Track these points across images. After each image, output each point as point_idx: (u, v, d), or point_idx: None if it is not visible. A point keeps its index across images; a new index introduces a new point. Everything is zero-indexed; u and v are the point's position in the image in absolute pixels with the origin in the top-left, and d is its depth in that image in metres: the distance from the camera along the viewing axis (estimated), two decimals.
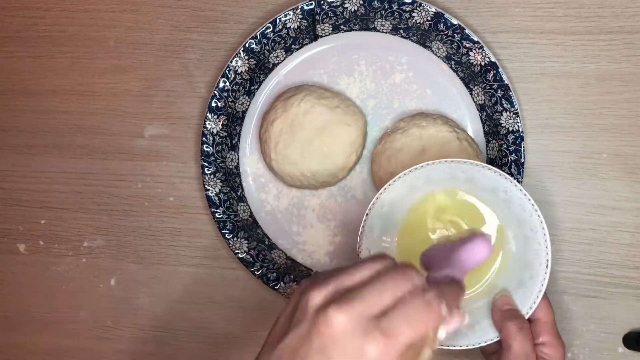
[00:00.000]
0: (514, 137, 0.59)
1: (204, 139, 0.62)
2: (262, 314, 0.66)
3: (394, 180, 0.54)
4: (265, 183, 0.65)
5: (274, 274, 0.62)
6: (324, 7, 0.60)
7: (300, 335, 0.38)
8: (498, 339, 0.53)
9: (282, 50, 0.63)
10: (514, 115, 0.59)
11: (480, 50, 0.59)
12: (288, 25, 0.61)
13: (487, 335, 0.53)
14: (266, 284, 0.62)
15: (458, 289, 0.43)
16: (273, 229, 0.65)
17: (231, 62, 0.61)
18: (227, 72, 0.62)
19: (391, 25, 0.62)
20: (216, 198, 0.62)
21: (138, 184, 0.67)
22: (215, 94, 0.62)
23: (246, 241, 0.63)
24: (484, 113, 0.62)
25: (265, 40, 0.61)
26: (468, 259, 0.48)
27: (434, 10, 0.59)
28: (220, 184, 0.63)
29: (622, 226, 0.61)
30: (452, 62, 0.62)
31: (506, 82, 0.59)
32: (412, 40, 0.62)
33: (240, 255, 0.62)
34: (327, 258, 0.64)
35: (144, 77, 0.67)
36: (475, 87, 0.61)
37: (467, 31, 0.59)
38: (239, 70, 0.62)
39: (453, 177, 0.54)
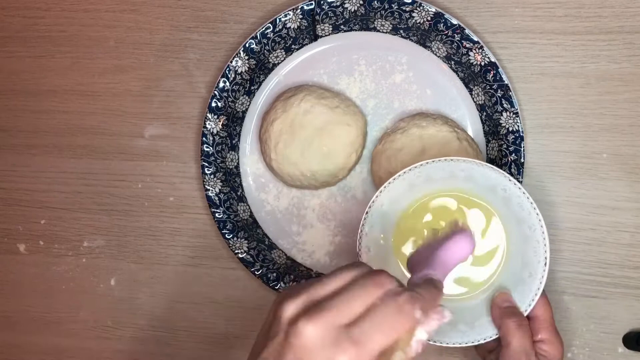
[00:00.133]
0: (514, 137, 0.59)
1: (204, 139, 0.62)
2: (262, 314, 0.65)
3: (394, 179, 0.54)
4: (265, 183, 0.65)
5: (274, 274, 0.62)
6: (324, 7, 0.60)
7: (276, 349, 0.38)
8: (497, 336, 0.53)
9: (282, 50, 0.63)
10: (514, 115, 0.59)
11: (480, 50, 0.59)
12: (288, 25, 0.61)
13: (486, 332, 0.53)
14: (266, 284, 0.62)
15: (434, 289, 0.43)
16: (273, 229, 0.65)
17: (231, 62, 0.61)
18: (227, 72, 0.62)
19: (391, 25, 0.62)
20: (216, 198, 0.62)
21: (138, 184, 0.67)
22: (215, 94, 0.62)
23: (246, 241, 0.63)
24: (484, 113, 0.62)
25: (265, 40, 0.61)
26: (449, 258, 0.48)
27: (434, 10, 0.59)
28: (220, 184, 0.63)
29: (622, 226, 0.61)
30: (452, 62, 0.62)
31: (506, 82, 0.59)
32: (412, 40, 0.62)
33: (240, 255, 0.62)
34: (327, 258, 0.64)
35: (144, 77, 0.67)
36: (475, 87, 0.61)
37: (467, 31, 0.59)
38: (239, 70, 0.62)
39: (452, 175, 0.54)
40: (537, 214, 0.52)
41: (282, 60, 0.64)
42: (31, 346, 0.69)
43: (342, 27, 0.63)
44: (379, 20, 0.62)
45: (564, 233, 0.61)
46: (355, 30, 0.63)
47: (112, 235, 0.68)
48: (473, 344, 0.53)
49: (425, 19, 0.60)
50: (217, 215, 0.62)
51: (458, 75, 0.62)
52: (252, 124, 0.65)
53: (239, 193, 0.64)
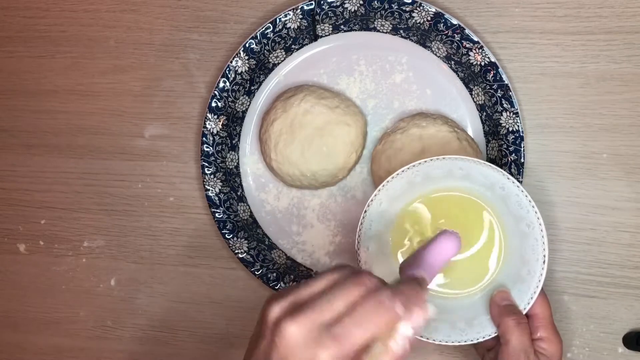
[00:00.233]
0: (514, 137, 0.59)
1: (204, 139, 0.62)
2: None
3: (392, 177, 0.54)
4: (265, 183, 0.65)
5: (274, 274, 0.62)
6: (324, 7, 0.60)
7: (263, 350, 0.39)
8: (496, 334, 0.53)
9: (282, 50, 0.63)
10: (514, 115, 0.59)
11: (480, 50, 0.59)
12: (288, 25, 0.61)
13: (485, 330, 0.53)
14: (266, 284, 0.62)
15: (417, 285, 0.44)
16: (273, 229, 0.65)
17: (231, 62, 0.61)
18: (227, 72, 0.62)
19: (391, 25, 0.62)
20: (216, 198, 0.63)
21: (138, 184, 0.67)
22: (215, 94, 0.62)
23: (246, 241, 0.63)
24: (484, 113, 0.62)
25: (265, 40, 0.61)
26: (434, 259, 0.49)
27: (434, 10, 0.59)
28: (220, 184, 0.63)
29: (621, 226, 0.61)
30: (452, 62, 0.62)
31: (506, 82, 0.59)
32: (412, 40, 0.63)
33: (240, 255, 0.62)
34: (327, 258, 0.64)
35: (144, 77, 0.67)
36: (475, 87, 0.61)
37: (467, 31, 0.59)
38: (239, 70, 0.62)
39: (450, 174, 0.54)
40: (536, 212, 0.52)
41: (282, 60, 0.64)
42: (31, 346, 0.69)
43: (342, 27, 0.63)
44: (379, 20, 0.62)
45: (563, 233, 0.61)
46: (355, 30, 0.63)
47: (112, 235, 0.68)
48: (472, 342, 0.53)
49: (425, 19, 0.60)
50: (217, 215, 0.62)
51: (458, 75, 0.62)
52: (252, 124, 0.65)
53: (239, 193, 0.64)
